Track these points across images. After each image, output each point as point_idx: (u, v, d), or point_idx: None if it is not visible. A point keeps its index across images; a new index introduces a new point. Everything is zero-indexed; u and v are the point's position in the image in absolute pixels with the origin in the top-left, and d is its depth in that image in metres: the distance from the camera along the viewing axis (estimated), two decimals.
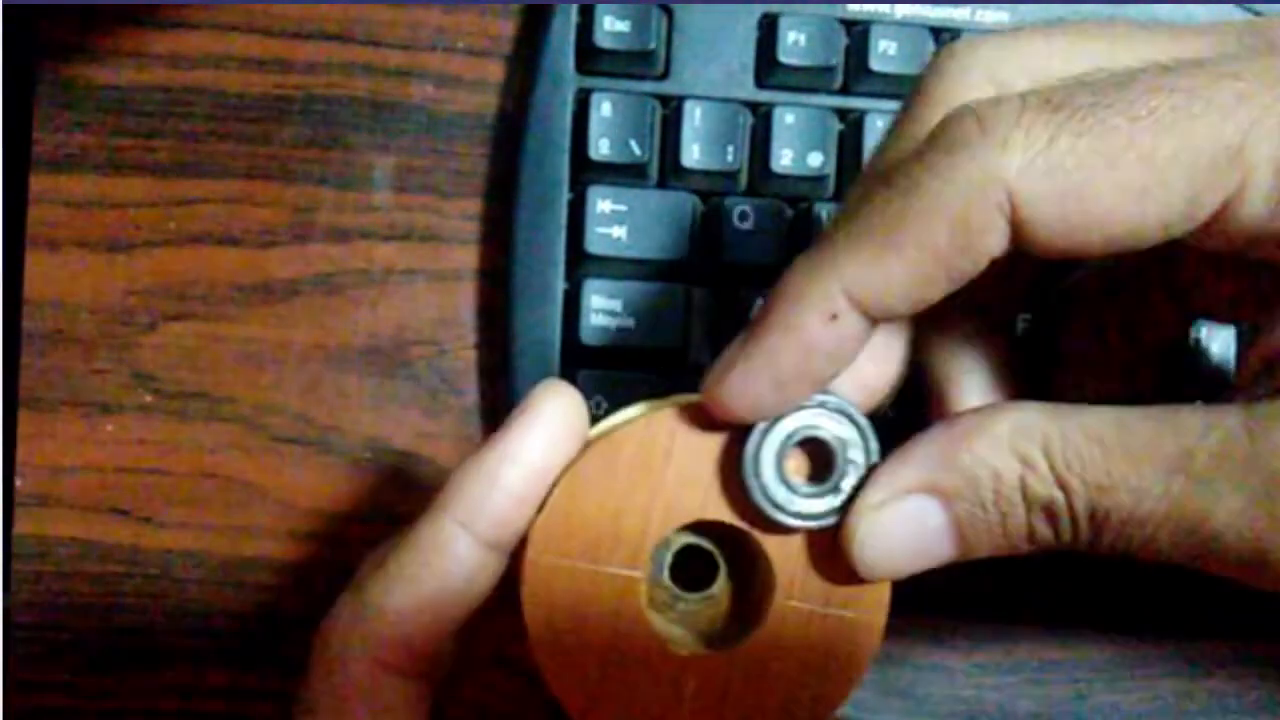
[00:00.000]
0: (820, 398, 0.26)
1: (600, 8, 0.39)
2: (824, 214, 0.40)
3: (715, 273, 0.40)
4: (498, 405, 0.41)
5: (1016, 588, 0.40)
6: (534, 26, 0.41)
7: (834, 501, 0.26)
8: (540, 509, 0.27)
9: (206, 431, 0.41)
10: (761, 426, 0.26)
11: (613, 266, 0.39)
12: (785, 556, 0.27)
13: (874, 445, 0.26)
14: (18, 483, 0.40)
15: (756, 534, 0.27)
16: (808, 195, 0.40)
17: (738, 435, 0.26)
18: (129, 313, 0.41)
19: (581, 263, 0.39)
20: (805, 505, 0.26)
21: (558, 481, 0.27)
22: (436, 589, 0.26)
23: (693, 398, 0.27)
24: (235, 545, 0.41)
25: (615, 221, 0.39)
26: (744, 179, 0.40)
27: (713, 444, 0.27)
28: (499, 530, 0.26)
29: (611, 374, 0.39)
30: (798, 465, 0.27)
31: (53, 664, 0.40)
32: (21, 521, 0.40)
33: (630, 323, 0.39)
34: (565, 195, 0.40)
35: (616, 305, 0.39)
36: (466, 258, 0.41)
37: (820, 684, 0.27)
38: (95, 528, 0.40)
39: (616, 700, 0.26)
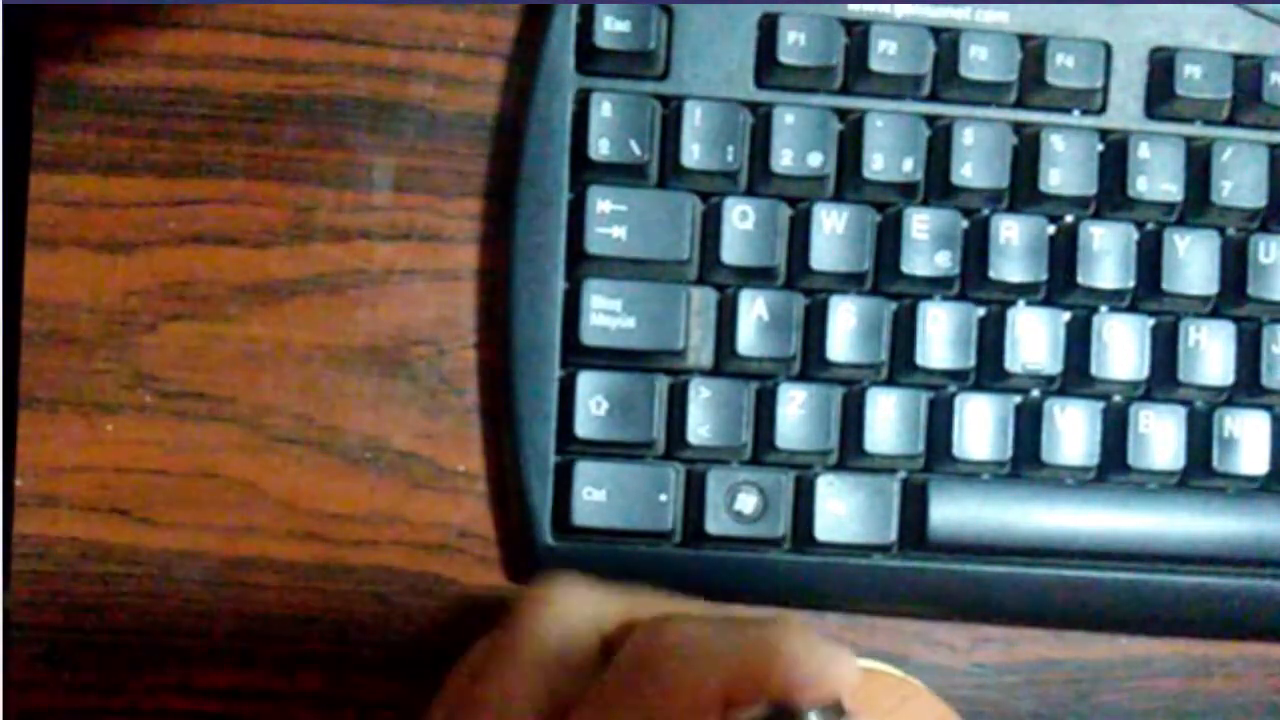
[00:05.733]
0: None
1: (600, 8, 0.39)
2: (824, 214, 0.40)
3: (715, 273, 0.40)
4: (497, 405, 0.41)
5: (1018, 588, 0.41)
6: (534, 26, 0.40)
7: None
8: None
9: (206, 431, 0.41)
10: None
11: (613, 266, 0.39)
12: None
13: None
14: (18, 483, 0.40)
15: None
16: (808, 195, 0.40)
17: None
18: (129, 313, 0.41)
19: (581, 263, 0.39)
20: None
21: None
22: None
23: None
24: (235, 545, 0.41)
25: (615, 221, 0.39)
26: (744, 179, 0.40)
27: None
28: None
29: (611, 374, 0.39)
30: None
31: (53, 664, 0.40)
32: (21, 521, 0.40)
33: (630, 323, 0.39)
34: (565, 195, 0.40)
35: (616, 305, 0.39)
36: (466, 258, 0.41)
37: None
38: (95, 528, 0.40)
39: None
